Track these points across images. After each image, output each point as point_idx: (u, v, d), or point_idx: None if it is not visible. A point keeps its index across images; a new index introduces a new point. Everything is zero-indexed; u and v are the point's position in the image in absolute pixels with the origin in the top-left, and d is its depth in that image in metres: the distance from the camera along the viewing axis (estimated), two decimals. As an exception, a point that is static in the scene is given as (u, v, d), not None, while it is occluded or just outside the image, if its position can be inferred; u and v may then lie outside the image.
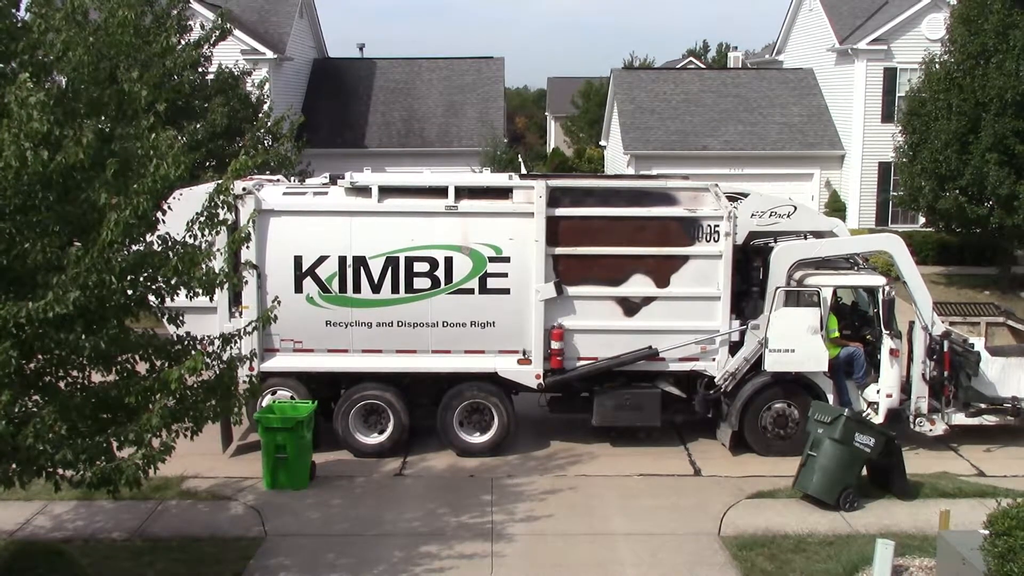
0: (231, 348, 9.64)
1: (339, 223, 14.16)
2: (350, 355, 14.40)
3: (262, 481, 13.56)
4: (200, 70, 23.04)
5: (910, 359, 14.86)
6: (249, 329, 9.78)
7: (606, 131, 41.60)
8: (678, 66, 60.54)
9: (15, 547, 10.64)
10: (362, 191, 14.25)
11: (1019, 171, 25.50)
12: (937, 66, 27.14)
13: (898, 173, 29.76)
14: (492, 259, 14.17)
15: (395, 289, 14.15)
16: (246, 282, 10.02)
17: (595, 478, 14.04)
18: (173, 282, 8.97)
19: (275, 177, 15.28)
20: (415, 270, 14.13)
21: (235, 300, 14.11)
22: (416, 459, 14.70)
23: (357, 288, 14.15)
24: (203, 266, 9.13)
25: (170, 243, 9.10)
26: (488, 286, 14.21)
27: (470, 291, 14.20)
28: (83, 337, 8.52)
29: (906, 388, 14.73)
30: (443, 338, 14.34)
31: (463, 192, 14.32)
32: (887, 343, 14.46)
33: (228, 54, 27.47)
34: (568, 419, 15.74)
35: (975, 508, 12.07)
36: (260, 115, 25.02)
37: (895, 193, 31.31)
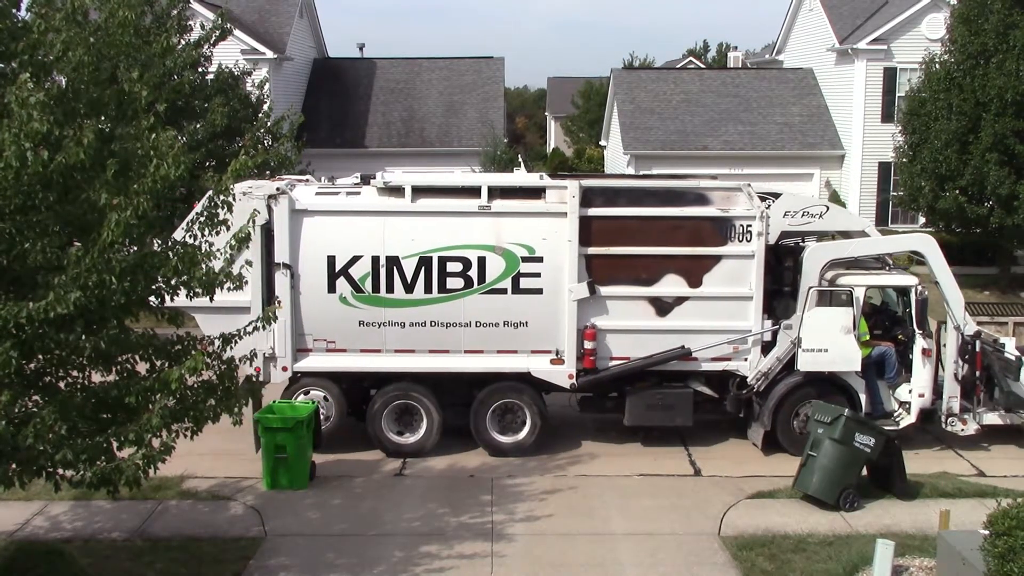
0: (231, 348, 9.63)
1: (372, 223, 14.14)
2: (383, 355, 14.39)
3: (262, 481, 13.56)
4: (200, 70, 23.07)
5: (938, 359, 14.85)
6: (249, 329, 9.75)
7: (606, 131, 41.61)
8: (678, 66, 60.57)
9: (15, 547, 10.64)
10: (395, 191, 14.24)
11: (1019, 171, 25.54)
12: (937, 66, 27.16)
13: (898, 173, 29.78)
14: (525, 259, 14.16)
15: (428, 289, 14.15)
16: (246, 282, 9.98)
17: (595, 478, 14.04)
18: (173, 282, 8.96)
19: (304, 177, 15.31)
20: (448, 270, 14.13)
21: (269, 299, 14.14)
22: (416, 459, 14.69)
23: (390, 288, 14.14)
24: (203, 266, 9.12)
25: (171, 243, 9.10)
26: (521, 286, 14.20)
27: (503, 291, 14.19)
28: (83, 337, 8.51)
29: (937, 388, 14.71)
30: (476, 338, 14.34)
31: (496, 192, 14.30)
32: (920, 343, 14.47)
33: (228, 54, 27.48)
34: (568, 418, 15.76)
35: (975, 508, 12.07)
36: (260, 115, 25.04)
37: (895, 193, 31.34)
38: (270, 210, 13.91)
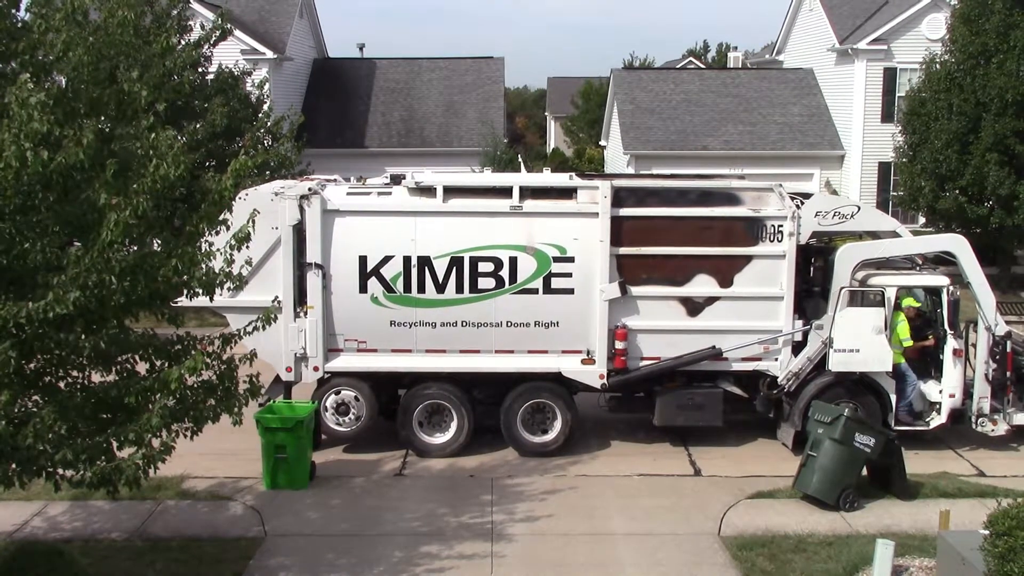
0: (231, 348, 9.62)
1: (404, 223, 14.16)
2: (414, 355, 14.40)
3: (262, 481, 13.55)
4: (200, 70, 23.03)
5: (967, 359, 14.81)
6: (249, 329, 9.74)
7: (606, 131, 41.61)
8: (678, 66, 60.54)
9: (15, 547, 10.63)
10: (426, 191, 14.26)
11: (1019, 171, 25.55)
12: (937, 66, 27.17)
13: (898, 173, 29.79)
14: (556, 259, 14.17)
15: (459, 289, 14.15)
16: (246, 282, 9.98)
17: (595, 478, 14.04)
18: (173, 282, 8.95)
19: (332, 176, 15.35)
20: (479, 270, 14.14)
21: (300, 299, 14.18)
22: (416, 459, 14.70)
23: (422, 288, 14.15)
24: (203, 266, 9.12)
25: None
26: (552, 286, 14.20)
27: (534, 291, 14.20)
28: (83, 337, 8.50)
29: (967, 388, 14.67)
30: (507, 338, 14.35)
31: (527, 192, 14.32)
32: (951, 343, 14.44)
33: (228, 54, 27.46)
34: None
35: (975, 508, 12.07)
36: (260, 115, 25.01)
37: (895, 193, 31.34)
38: (302, 210, 13.96)
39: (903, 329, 14.49)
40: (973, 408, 14.66)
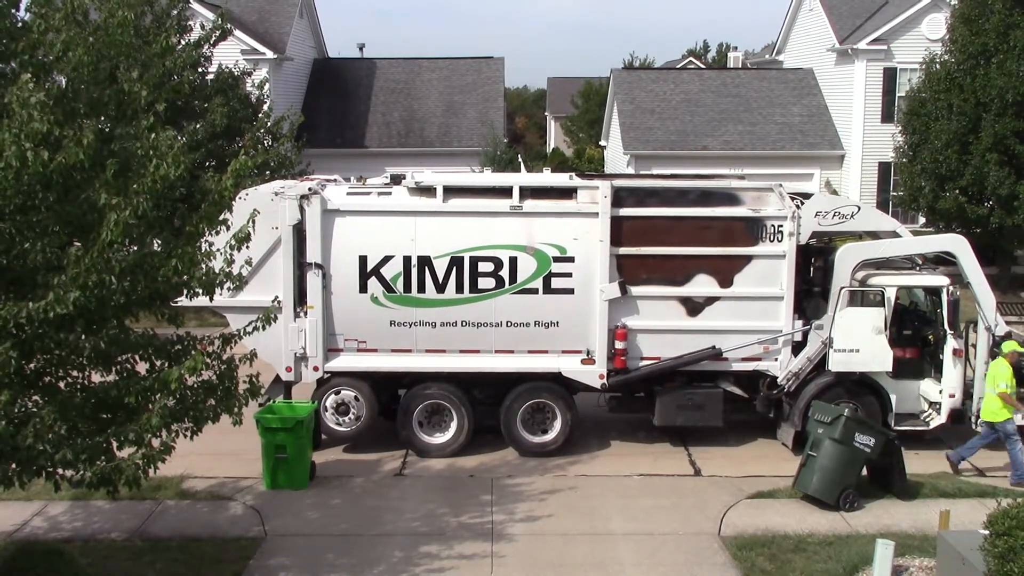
0: (231, 348, 9.62)
1: (404, 223, 14.19)
2: (413, 355, 14.42)
3: (262, 481, 13.55)
4: (200, 70, 23.03)
5: (967, 359, 14.77)
6: (249, 329, 9.74)
7: (606, 131, 41.61)
8: (678, 66, 60.55)
9: (15, 547, 10.64)
10: (427, 191, 14.28)
11: (1019, 171, 25.54)
12: (937, 66, 27.17)
13: (898, 173, 29.80)
14: (556, 259, 14.19)
15: (459, 289, 14.18)
16: (246, 282, 9.97)
17: (595, 478, 14.04)
18: (173, 282, 8.95)
19: (332, 176, 15.36)
20: (479, 270, 14.16)
21: (301, 299, 14.20)
22: (416, 459, 14.70)
23: (421, 288, 14.18)
24: (203, 266, 9.12)
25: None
26: (552, 286, 14.23)
27: (534, 291, 14.22)
28: (83, 337, 8.52)
29: (967, 389, 14.64)
30: (507, 338, 14.36)
31: (527, 192, 14.34)
32: (950, 343, 14.43)
33: (228, 54, 27.47)
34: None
35: (975, 508, 12.08)
36: (260, 115, 25.01)
37: (895, 193, 31.35)
38: (302, 210, 14.00)
39: (1003, 373, 13.54)
40: (973, 408, 14.66)
